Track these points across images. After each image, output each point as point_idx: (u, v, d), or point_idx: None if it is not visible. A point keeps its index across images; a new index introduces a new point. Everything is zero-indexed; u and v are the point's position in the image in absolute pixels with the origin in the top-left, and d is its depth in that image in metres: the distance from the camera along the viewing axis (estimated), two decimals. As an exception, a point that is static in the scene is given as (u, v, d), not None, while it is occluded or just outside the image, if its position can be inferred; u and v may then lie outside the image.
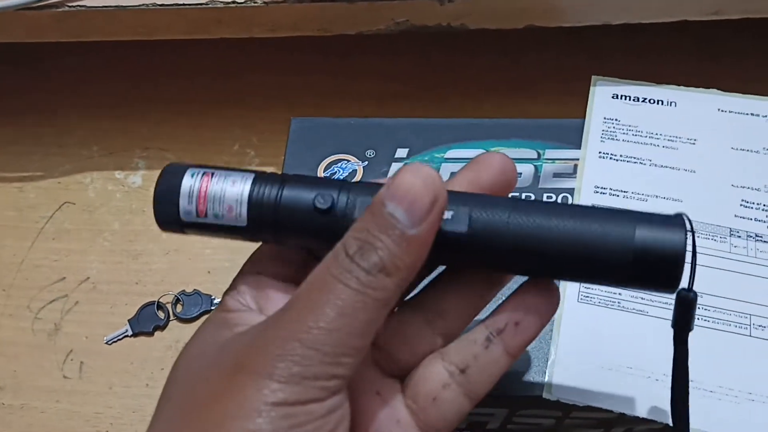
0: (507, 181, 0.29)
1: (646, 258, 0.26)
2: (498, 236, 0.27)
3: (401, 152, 0.44)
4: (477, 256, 0.27)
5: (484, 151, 0.43)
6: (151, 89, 0.58)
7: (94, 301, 0.50)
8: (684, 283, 0.27)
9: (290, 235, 0.28)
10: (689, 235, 0.26)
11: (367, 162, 0.44)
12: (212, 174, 0.28)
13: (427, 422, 0.29)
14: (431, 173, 0.25)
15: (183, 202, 0.28)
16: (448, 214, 0.27)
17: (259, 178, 0.28)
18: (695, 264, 0.27)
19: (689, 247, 0.26)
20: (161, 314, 0.49)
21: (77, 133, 0.57)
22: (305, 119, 0.46)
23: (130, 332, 0.48)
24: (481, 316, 0.30)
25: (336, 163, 0.44)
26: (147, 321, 0.48)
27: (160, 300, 0.49)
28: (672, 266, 0.26)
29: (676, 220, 0.26)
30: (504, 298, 0.30)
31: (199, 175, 0.28)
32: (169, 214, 0.28)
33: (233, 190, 0.28)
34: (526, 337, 0.29)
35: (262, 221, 0.28)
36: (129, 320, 0.49)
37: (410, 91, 0.56)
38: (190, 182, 0.28)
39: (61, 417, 0.46)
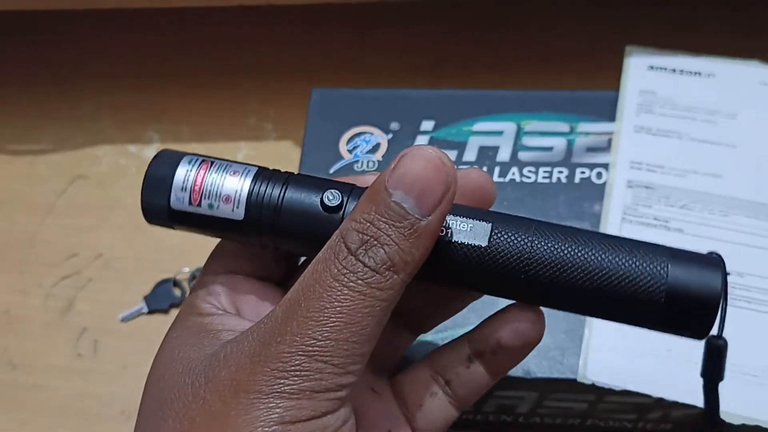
0: (485, 199, 0.27)
1: (679, 300, 0.24)
2: (519, 258, 0.24)
3: (427, 125, 0.42)
4: (490, 278, 0.25)
5: (515, 124, 0.42)
6: (165, 61, 0.57)
7: (108, 278, 0.48)
8: (714, 330, 0.25)
9: (290, 235, 0.26)
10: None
11: (391, 135, 0.42)
12: (211, 163, 0.26)
13: (416, 426, 0.28)
14: (441, 156, 0.23)
15: (175, 189, 0.26)
16: (466, 225, 0.25)
17: (263, 172, 0.26)
18: (726, 309, 0.25)
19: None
20: (177, 292, 0.48)
21: (90, 106, 0.55)
22: (326, 90, 0.44)
23: (145, 310, 0.47)
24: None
25: (359, 136, 0.42)
26: (163, 298, 0.47)
27: (177, 277, 0.48)
28: (706, 311, 0.24)
29: (712, 260, 0.24)
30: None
31: (197, 163, 0.26)
32: (157, 202, 0.26)
33: (233, 179, 0.26)
34: (507, 363, 0.28)
35: (260, 216, 0.26)
36: (145, 297, 0.47)
37: (434, 63, 0.54)
38: (185, 169, 0.26)
39: (74, 397, 0.45)
